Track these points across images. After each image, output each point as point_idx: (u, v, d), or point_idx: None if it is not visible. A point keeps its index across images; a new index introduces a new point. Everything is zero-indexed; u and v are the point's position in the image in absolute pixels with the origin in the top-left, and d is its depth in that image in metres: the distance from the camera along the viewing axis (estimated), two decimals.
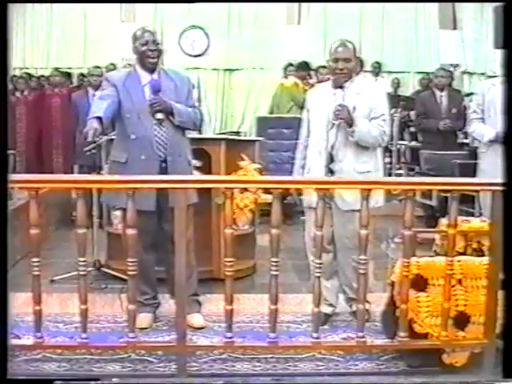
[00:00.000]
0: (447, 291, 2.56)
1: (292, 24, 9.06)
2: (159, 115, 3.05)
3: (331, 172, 3.09)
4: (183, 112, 3.12)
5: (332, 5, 8.71)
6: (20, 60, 8.57)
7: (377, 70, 8.48)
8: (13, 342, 2.45)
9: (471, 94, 6.88)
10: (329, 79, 3.28)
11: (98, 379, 2.53)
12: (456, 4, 9.01)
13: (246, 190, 3.93)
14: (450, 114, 5.52)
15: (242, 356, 2.80)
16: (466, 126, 5.09)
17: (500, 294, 2.50)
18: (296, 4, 8.97)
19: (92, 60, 8.12)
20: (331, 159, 3.10)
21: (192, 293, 3.18)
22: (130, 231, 2.48)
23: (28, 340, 2.64)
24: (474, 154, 4.66)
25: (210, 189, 3.49)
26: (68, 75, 7.47)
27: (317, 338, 2.58)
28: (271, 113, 7.46)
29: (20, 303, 3.11)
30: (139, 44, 3.12)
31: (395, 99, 7.48)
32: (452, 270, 2.56)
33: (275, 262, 2.50)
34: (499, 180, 2.46)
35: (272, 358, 2.79)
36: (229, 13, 8.86)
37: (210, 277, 3.75)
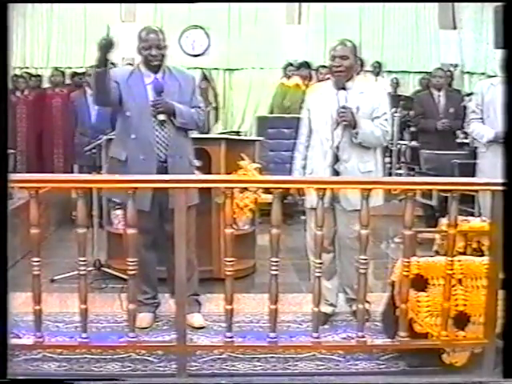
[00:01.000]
0: (447, 291, 2.56)
1: (292, 24, 9.06)
2: (161, 116, 3.04)
3: (336, 172, 3.09)
4: (185, 113, 3.11)
5: (332, 5, 8.71)
6: (20, 60, 8.56)
7: (377, 69, 8.48)
8: (13, 341, 2.45)
9: (471, 93, 6.88)
10: (328, 78, 3.28)
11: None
12: (456, 4, 9.00)
13: (246, 189, 3.93)
14: (447, 114, 5.53)
15: (242, 356, 2.79)
16: (464, 125, 5.08)
17: (500, 293, 2.50)
18: (296, 4, 8.97)
19: (92, 60, 8.11)
20: (336, 159, 3.10)
21: (192, 292, 3.18)
22: (130, 231, 2.48)
23: (28, 340, 2.64)
24: (473, 153, 4.66)
25: (210, 189, 3.49)
26: (62, 74, 7.44)
27: (317, 338, 2.58)
28: (271, 113, 7.47)
29: (20, 303, 3.11)
30: (142, 47, 3.08)
31: (395, 99, 7.49)
32: (452, 269, 2.56)
33: (275, 261, 2.50)
34: (499, 180, 2.46)
35: (272, 357, 2.79)
36: (229, 13, 8.86)
37: (210, 276, 3.75)
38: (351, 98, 3.08)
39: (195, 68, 8.66)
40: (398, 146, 6.92)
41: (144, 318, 3.15)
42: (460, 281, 2.63)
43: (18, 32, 8.51)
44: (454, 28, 9.14)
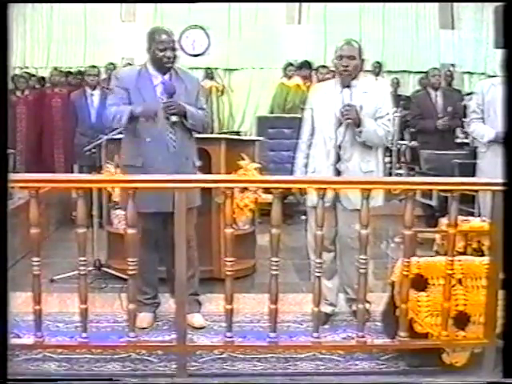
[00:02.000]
0: (447, 291, 2.56)
1: (292, 24, 9.07)
2: (174, 118, 3.04)
3: (338, 172, 3.10)
4: (195, 115, 3.12)
5: (332, 4, 8.72)
6: (20, 60, 8.57)
7: (377, 69, 8.48)
8: (13, 341, 2.46)
9: (471, 93, 6.88)
10: (329, 79, 3.28)
11: (111, 379, 2.54)
12: (456, 4, 9.01)
13: (246, 189, 3.94)
14: (445, 113, 5.53)
15: (242, 356, 2.79)
16: (463, 124, 5.09)
17: (500, 293, 2.50)
18: (296, 4, 8.98)
19: (92, 60, 8.13)
20: (338, 158, 3.11)
21: (192, 292, 3.18)
22: (130, 231, 2.48)
23: (28, 339, 2.64)
24: (473, 153, 4.66)
25: (210, 188, 3.49)
26: (62, 74, 7.43)
27: (317, 338, 2.58)
28: (271, 112, 7.47)
29: (20, 303, 3.12)
30: (156, 48, 3.06)
31: (395, 99, 7.48)
32: (452, 269, 2.56)
33: (275, 261, 2.50)
34: (499, 180, 2.46)
35: (272, 357, 2.79)
36: (229, 13, 8.87)
37: (210, 276, 3.75)
38: (355, 97, 3.09)
39: (196, 68, 8.68)
40: (398, 146, 6.92)
41: (144, 318, 3.15)
42: (460, 281, 2.63)
43: (18, 32, 8.52)
44: (454, 28, 9.15)
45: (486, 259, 2.63)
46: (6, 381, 2.09)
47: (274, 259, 2.50)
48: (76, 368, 2.69)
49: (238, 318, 3.01)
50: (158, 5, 8.69)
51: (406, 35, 9.07)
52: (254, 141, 4.52)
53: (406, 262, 2.53)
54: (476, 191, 3.87)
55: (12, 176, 2.30)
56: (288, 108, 7.15)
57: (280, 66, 8.02)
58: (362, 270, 2.56)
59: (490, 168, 3.62)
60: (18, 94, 6.83)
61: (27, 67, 8.51)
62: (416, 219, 3.20)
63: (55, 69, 7.51)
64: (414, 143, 6.62)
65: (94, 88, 5.69)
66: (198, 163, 3.32)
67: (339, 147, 3.10)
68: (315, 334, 2.58)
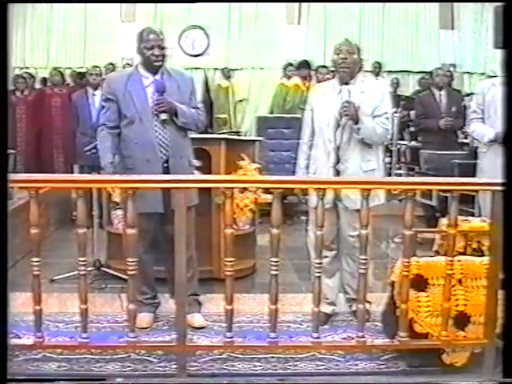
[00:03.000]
0: (447, 291, 2.56)
1: (292, 24, 9.07)
2: (163, 116, 3.03)
3: (339, 173, 3.10)
4: (187, 113, 3.11)
5: (332, 5, 8.72)
6: (20, 60, 8.57)
7: (377, 69, 8.49)
8: (13, 341, 2.45)
9: (471, 93, 6.88)
10: (329, 79, 3.29)
11: (104, 379, 2.54)
12: (456, 4, 9.01)
13: (245, 189, 3.94)
14: (449, 113, 5.53)
15: (242, 356, 2.79)
16: (465, 125, 5.08)
17: (500, 293, 2.50)
18: (296, 4, 8.98)
19: (92, 60, 8.14)
20: (338, 160, 3.11)
21: (192, 292, 3.18)
22: (130, 231, 2.48)
23: (28, 340, 2.64)
24: (473, 153, 4.66)
25: (209, 189, 3.49)
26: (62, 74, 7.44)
27: (317, 338, 2.58)
28: (271, 113, 7.48)
29: (20, 303, 3.11)
30: (144, 47, 3.06)
31: (395, 99, 7.48)
32: (452, 269, 2.56)
33: (275, 261, 2.50)
34: (499, 180, 2.46)
35: (272, 357, 2.79)
36: (229, 13, 8.87)
37: (210, 277, 3.75)
38: (353, 96, 3.09)
39: (196, 68, 8.69)
40: (398, 146, 6.91)
41: (144, 318, 3.15)
42: (460, 281, 2.63)
43: (18, 32, 8.52)
44: (454, 28, 9.15)
45: (485, 259, 2.63)
46: (6, 381, 2.09)
47: (274, 259, 2.50)
48: (76, 368, 2.69)
49: (237, 318, 3.00)
50: (158, 5, 8.69)
51: (405, 35, 9.07)
52: (253, 141, 4.53)
53: (405, 262, 2.53)
54: (476, 191, 3.87)
55: (12, 176, 2.30)
56: (287, 108, 7.16)
57: (280, 66, 8.03)
58: (361, 271, 2.56)
59: (491, 168, 3.62)
60: (18, 94, 6.83)
61: (27, 67, 8.50)
62: (416, 219, 3.20)
63: (55, 69, 7.52)
64: (413, 143, 6.62)
65: (96, 88, 5.68)
66: (197, 163, 3.31)
67: (338, 148, 3.10)
68: (315, 334, 2.58)
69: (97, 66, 6.14)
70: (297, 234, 4.33)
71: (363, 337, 2.59)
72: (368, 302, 2.99)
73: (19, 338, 2.74)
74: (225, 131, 6.34)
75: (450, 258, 2.55)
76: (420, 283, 2.65)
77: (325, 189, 2.56)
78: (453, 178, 3.54)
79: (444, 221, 2.79)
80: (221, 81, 8.79)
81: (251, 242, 4.24)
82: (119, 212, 4.02)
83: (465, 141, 6.10)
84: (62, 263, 4.06)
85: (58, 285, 3.75)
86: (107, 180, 2.78)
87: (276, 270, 2.51)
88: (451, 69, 8.44)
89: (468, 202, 4.12)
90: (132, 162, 3.09)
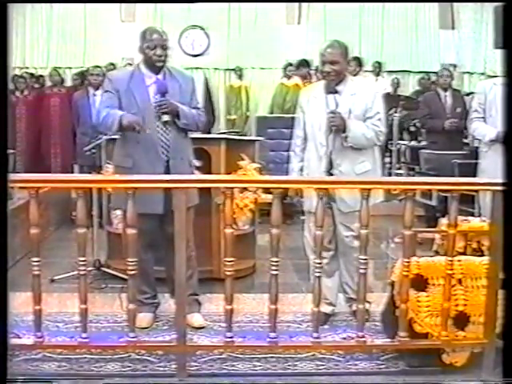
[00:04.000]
0: (447, 291, 2.56)
1: (292, 24, 9.07)
2: (165, 117, 3.02)
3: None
4: (188, 114, 3.10)
5: (332, 5, 8.72)
6: (20, 60, 8.58)
7: (377, 69, 8.49)
8: (13, 341, 2.45)
9: (471, 93, 6.88)
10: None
11: (102, 378, 2.54)
12: (456, 4, 9.01)
13: (245, 189, 3.94)
14: (454, 114, 5.52)
15: (241, 356, 2.79)
16: (467, 125, 5.08)
17: (500, 293, 2.50)
18: (296, 4, 8.98)
19: (92, 60, 8.14)
20: (331, 164, 3.10)
21: (192, 292, 3.18)
22: (130, 231, 2.48)
23: (28, 340, 2.64)
24: (473, 153, 4.66)
25: (209, 189, 3.49)
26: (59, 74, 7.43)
27: (317, 338, 2.59)
28: (271, 113, 7.47)
29: (20, 303, 3.11)
30: (147, 47, 3.05)
31: (395, 99, 7.49)
32: (452, 269, 2.56)
33: (275, 261, 2.50)
34: (499, 180, 2.46)
35: (272, 357, 2.79)
36: (229, 13, 8.88)
37: (210, 277, 3.75)
38: (343, 100, 3.06)
39: (195, 68, 8.69)
40: (398, 146, 6.92)
41: (144, 318, 3.15)
42: (460, 281, 2.63)
43: (18, 32, 8.52)
44: (454, 28, 9.15)
45: (485, 259, 2.63)
46: (6, 381, 2.09)
47: (274, 259, 2.50)
48: (76, 368, 2.69)
49: (237, 318, 3.00)
50: (158, 5, 8.70)
51: (405, 35, 9.08)
52: (253, 141, 4.53)
53: (405, 262, 2.53)
54: (476, 191, 3.87)
55: (12, 176, 2.30)
56: (287, 108, 7.15)
57: (280, 66, 8.03)
58: (361, 271, 2.56)
59: (492, 168, 3.62)
60: (18, 94, 6.83)
61: (27, 67, 8.51)
62: (416, 219, 3.20)
63: (55, 69, 7.52)
64: (413, 143, 6.62)
65: (97, 88, 5.68)
66: (197, 163, 3.31)
67: (330, 153, 3.09)
68: (315, 334, 2.58)
69: (98, 66, 6.14)
70: (297, 234, 4.32)
71: (363, 337, 2.59)
72: (368, 301, 3.00)
73: (19, 337, 2.74)
74: (232, 131, 6.34)
75: (449, 258, 2.55)
76: (420, 283, 2.64)
77: (326, 189, 2.56)
78: (453, 178, 3.54)
79: (444, 221, 2.79)
80: (233, 81, 8.75)
81: (251, 241, 4.24)
82: (119, 212, 4.03)
83: (465, 141, 6.10)
84: (62, 263, 4.06)
85: (58, 285, 3.74)
86: (107, 180, 2.78)
87: (276, 270, 2.51)
88: (451, 69, 8.46)
89: (468, 201, 4.12)
90: (132, 161, 3.07)
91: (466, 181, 2.88)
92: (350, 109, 3.05)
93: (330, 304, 3.29)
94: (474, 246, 2.88)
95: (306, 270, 3.30)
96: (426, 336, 2.64)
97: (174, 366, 2.63)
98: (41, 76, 7.86)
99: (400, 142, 6.97)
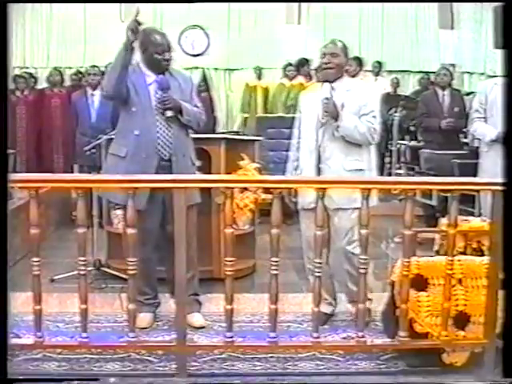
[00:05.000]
0: (447, 291, 2.56)
1: (292, 24, 9.07)
2: (169, 113, 3.04)
3: (319, 171, 3.09)
4: (190, 111, 3.13)
5: (332, 5, 8.72)
6: (20, 60, 8.57)
7: (377, 69, 8.49)
8: (13, 341, 2.46)
9: (471, 93, 6.88)
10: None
11: (97, 379, 2.54)
12: (456, 4, 9.02)
13: (245, 189, 3.93)
14: (452, 113, 5.52)
15: (242, 355, 2.79)
16: (467, 125, 5.08)
17: (500, 293, 2.50)
18: (296, 4, 8.98)
19: (92, 60, 8.13)
20: (319, 159, 3.10)
21: (192, 292, 3.18)
22: (130, 231, 2.48)
23: (28, 339, 2.64)
24: (473, 153, 4.66)
25: (209, 189, 3.49)
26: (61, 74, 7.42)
27: (317, 338, 2.59)
28: (271, 113, 7.47)
29: (20, 303, 3.11)
30: (155, 52, 3.06)
31: (395, 99, 7.49)
32: (452, 269, 2.56)
33: (275, 261, 2.50)
34: (499, 180, 2.46)
35: (272, 357, 2.79)
36: (228, 13, 8.87)
37: (210, 276, 3.75)
38: (338, 94, 3.07)
39: (196, 68, 8.69)
40: (398, 146, 6.91)
41: (144, 318, 3.15)
42: (460, 281, 2.63)
43: (18, 32, 8.52)
44: (454, 28, 9.15)
45: (485, 259, 2.63)
46: (6, 381, 2.09)
47: (274, 259, 2.50)
48: (76, 368, 2.69)
49: (237, 318, 3.00)
50: (158, 5, 8.69)
51: (405, 35, 9.07)
52: (253, 141, 4.52)
53: (405, 262, 2.53)
54: (477, 191, 3.87)
55: (12, 176, 2.30)
56: (288, 108, 7.15)
57: (280, 66, 8.02)
58: (361, 271, 2.56)
59: (493, 167, 3.62)
60: (18, 94, 6.83)
61: (27, 67, 8.50)
62: (416, 219, 3.20)
63: (55, 69, 7.51)
64: (413, 143, 6.61)
65: (95, 88, 5.68)
66: (198, 163, 3.32)
67: (319, 146, 3.10)
68: (315, 334, 2.58)
69: (95, 66, 6.13)
70: (297, 234, 4.31)
71: (363, 337, 2.59)
72: (369, 299, 2.99)
73: (19, 337, 2.74)
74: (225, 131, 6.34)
75: (450, 258, 2.55)
76: (420, 283, 2.65)
77: (325, 188, 2.56)
78: (453, 178, 3.53)
79: (444, 221, 2.79)
80: (251, 81, 8.70)
81: (251, 241, 4.24)
82: (119, 212, 4.02)
83: (464, 140, 6.10)
84: (62, 263, 4.07)
85: (57, 285, 3.74)
86: (107, 180, 2.77)
87: (276, 270, 2.51)
88: (451, 69, 8.46)
89: (468, 201, 4.12)
90: (126, 151, 3.07)
91: (466, 181, 2.88)
92: (343, 103, 3.05)
93: (330, 304, 3.29)
94: (474, 245, 2.89)
95: (305, 269, 3.31)
96: (426, 336, 2.64)
97: (174, 366, 2.63)
98: (31, 74, 7.84)
99: (400, 141, 6.96)
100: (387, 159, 7.08)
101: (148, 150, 3.05)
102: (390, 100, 7.38)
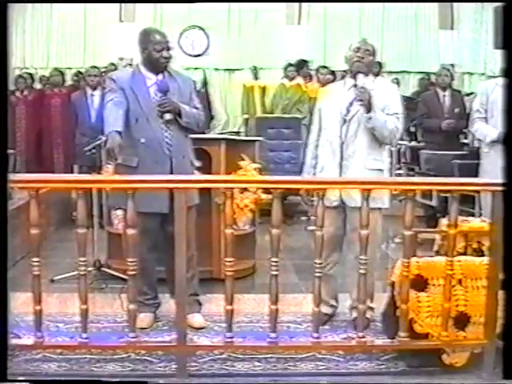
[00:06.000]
0: (447, 291, 2.56)
1: (292, 24, 9.06)
2: (168, 116, 3.03)
3: (342, 169, 3.09)
4: (189, 113, 3.12)
5: (332, 5, 8.71)
6: (20, 60, 8.56)
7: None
8: (13, 341, 2.45)
9: (471, 93, 6.87)
10: (330, 78, 3.28)
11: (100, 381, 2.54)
12: (456, 4, 9.01)
13: (246, 189, 3.93)
14: (452, 114, 5.51)
15: (242, 356, 2.79)
16: (468, 125, 5.07)
17: (500, 294, 2.50)
18: (296, 4, 8.97)
19: (91, 60, 8.14)
20: (342, 157, 3.10)
21: (192, 292, 3.18)
22: (130, 231, 2.48)
23: (28, 340, 2.64)
24: (474, 153, 4.66)
25: (210, 189, 3.49)
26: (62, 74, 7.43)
27: (317, 338, 2.59)
28: (271, 113, 7.47)
29: (20, 303, 3.11)
30: (154, 49, 3.06)
31: None
32: (452, 270, 2.56)
33: (275, 261, 2.50)
34: (499, 180, 2.46)
35: (272, 357, 2.79)
36: (228, 13, 8.86)
37: (210, 277, 3.75)
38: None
39: (195, 68, 8.69)
40: (398, 146, 6.91)
41: (144, 319, 3.15)
42: (460, 281, 2.63)
43: (18, 32, 8.51)
44: (454, 28, 9.15)
45: (485, 259, 2.63)
46: (6, 381, 2.09)
47: (274, 259, 2.50)
48: (76, 368, 2.69)
49: (238, 319, 3.00)
50: (158, 5, 8.69)
51: (405, 35, 9.06)
52: (253, 141, 4.53)
53: (406, 263, 2.53)
54: (477, 191, 3.87)
55: (12, 176, 2.30)
56: (288, 108, 7.15)
57: (280, 66, 8.02)
58: (362, 271, 2.56)
59: (493, 168, 3.61)
60: (18, 94, 6.83)
61: (27, 67, 8.50)
62: (416, 219, 3.20)
63: (55, 69, 7.51)
64: (413, 143, 6.61)
65: (94, 88, 5.68)
66: (197, 163, 3.32)
67: (343, 144, 3.10)
68: (315, 335, 2.58)
69: (95, 67, 6.13)
70: (297, 235, 4.34)
71: (363, 337, 2.59)
72: (370, 308, 2.99)
73: (19, 337, 2.74)
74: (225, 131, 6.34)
75: (450, 259, 2.55)
76: (420, 283, 2.65)
77: (325, 189, 2.56)
78: (453, 178, 3.54)
79: (444, 221, 2.79)
80: (247, 80, 8.68)
81: (251, 242, 4.23)
82: (119, 212, 4.02)
83: (465, 141, 6.10)
84: (62, 263, 4.06)
85: (58, 285, 3.74)
86: (107, 180, 2.77)
87: (276, 270, 2.51)
88: (451, 69, 8.46)
89: (468, 202, 4.12)
90: (136, 161, 3.06)
91: (466, 181, 2.89)
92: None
93: (331, 306, 3.29)
94: (475, 246, 2.89)
95: (306, 270, 3.30)
96: (426, 336, 2.64)
97: (174, 366, 2.63)
98: (32, 75, 7.84)
99: (400, 142, 6.95)
100: (387, 160, 7.07)
101: (157, 154, 3.04)
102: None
